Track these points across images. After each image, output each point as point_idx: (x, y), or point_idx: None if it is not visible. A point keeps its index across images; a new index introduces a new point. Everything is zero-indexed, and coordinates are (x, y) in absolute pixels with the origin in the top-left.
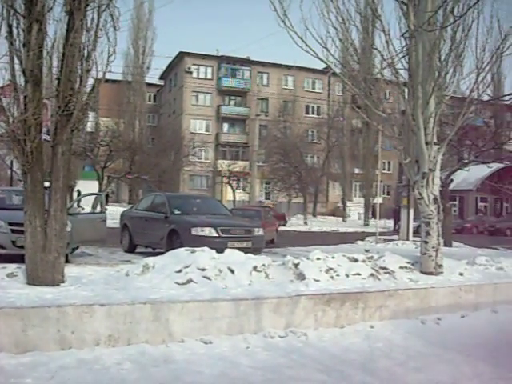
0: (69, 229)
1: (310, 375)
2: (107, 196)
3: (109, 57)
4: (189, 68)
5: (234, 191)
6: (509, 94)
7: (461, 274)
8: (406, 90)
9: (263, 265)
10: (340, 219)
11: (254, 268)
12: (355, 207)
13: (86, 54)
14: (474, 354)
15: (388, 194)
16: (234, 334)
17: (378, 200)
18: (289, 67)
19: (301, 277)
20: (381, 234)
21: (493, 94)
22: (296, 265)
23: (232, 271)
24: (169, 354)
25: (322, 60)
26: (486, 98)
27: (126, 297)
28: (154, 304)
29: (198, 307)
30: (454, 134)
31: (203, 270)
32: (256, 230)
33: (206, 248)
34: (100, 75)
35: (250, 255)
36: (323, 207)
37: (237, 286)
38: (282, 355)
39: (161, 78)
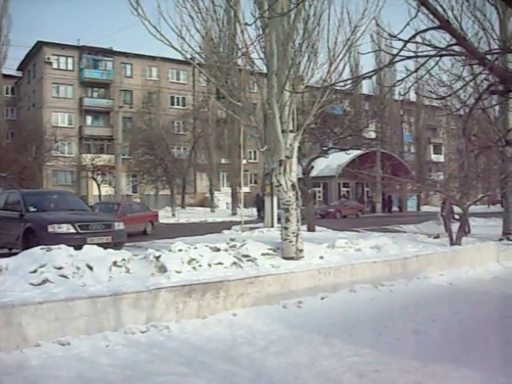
0: None
1: (170, 368)
2: None
3: None
4: (48, 58)
5: (98, 186)
6: (346, 80)
7: (321, 258)
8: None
9: (123, 259)
10: (208, 209)
11: (114, 263)
12: (223, 197)
13: None
14: (332, 334)
15: (255, 182)
16: (93, 333)
17: (243, 189)
18: (153, 58)
19: (162, 269)
20: (247, 222)
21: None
22: (157, 257)
23: (90, 268)
24: (23, 359)
25: (175, 49)
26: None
27: None
28: (5, 308)
29: (53, 308)
30: (310, 121)
31: (60, 268)
32: (116, 224)
33: (62, 245)
34: None
35: (110, 250)
36: (191, 198)
37: (96, 283)
38: (143, 351)
39: (19, 69)
